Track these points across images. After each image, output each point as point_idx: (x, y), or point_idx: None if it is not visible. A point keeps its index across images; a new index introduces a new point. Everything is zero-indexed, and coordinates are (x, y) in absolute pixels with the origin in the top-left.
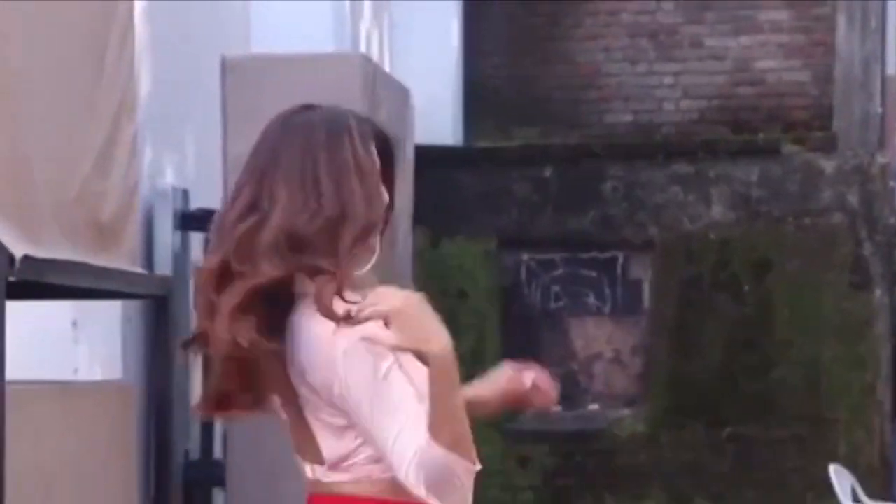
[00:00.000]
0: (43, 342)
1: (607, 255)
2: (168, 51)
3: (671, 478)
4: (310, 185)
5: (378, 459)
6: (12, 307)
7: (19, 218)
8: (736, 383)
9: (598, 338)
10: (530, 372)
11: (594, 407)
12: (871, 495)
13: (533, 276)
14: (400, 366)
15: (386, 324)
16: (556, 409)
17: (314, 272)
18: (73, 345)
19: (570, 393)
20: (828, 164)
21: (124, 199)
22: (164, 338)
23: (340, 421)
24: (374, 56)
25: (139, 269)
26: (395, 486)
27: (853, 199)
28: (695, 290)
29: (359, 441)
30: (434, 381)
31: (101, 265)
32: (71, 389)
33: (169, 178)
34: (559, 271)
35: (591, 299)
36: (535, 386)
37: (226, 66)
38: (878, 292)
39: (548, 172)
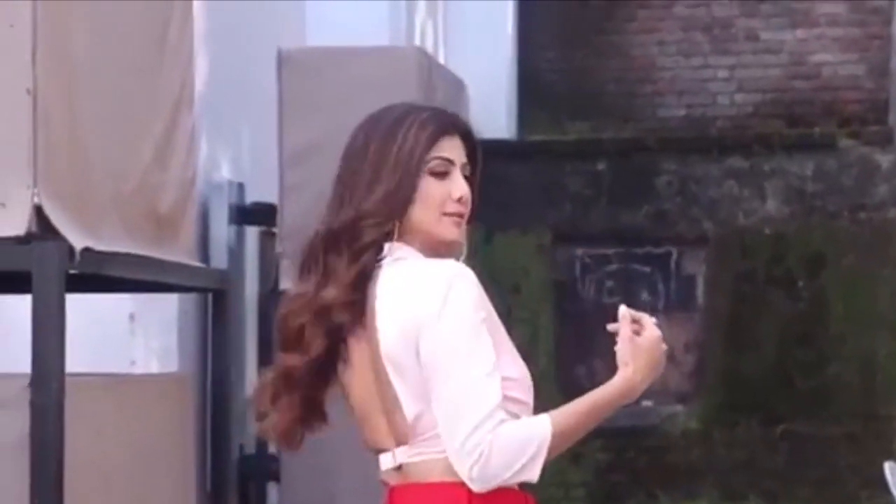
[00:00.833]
0: (100, 335)
1: (661, 250)
2: (224, 43)
3: (724, 475)
4: (346, 181)
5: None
6: (70, 299)
7: (79, 209)
8: (790, 380)
9: None
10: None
11: (647, 403)
12: None
13: (586, 271)
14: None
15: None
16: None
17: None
18: (130, 337)
19: None
20: (884, 159)
21: (182, 191)
22: (221, 331)
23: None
24: (429, 49)
25: (197, 263)
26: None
27: None
28: (749, 285)
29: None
30: (604, 399)
31: (159, 258)
32: (129, 381)
33: (224, 172)
34: (613, 266)
35: (645, 295)
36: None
37: (282, 59)
38: None
39: (601, 166)
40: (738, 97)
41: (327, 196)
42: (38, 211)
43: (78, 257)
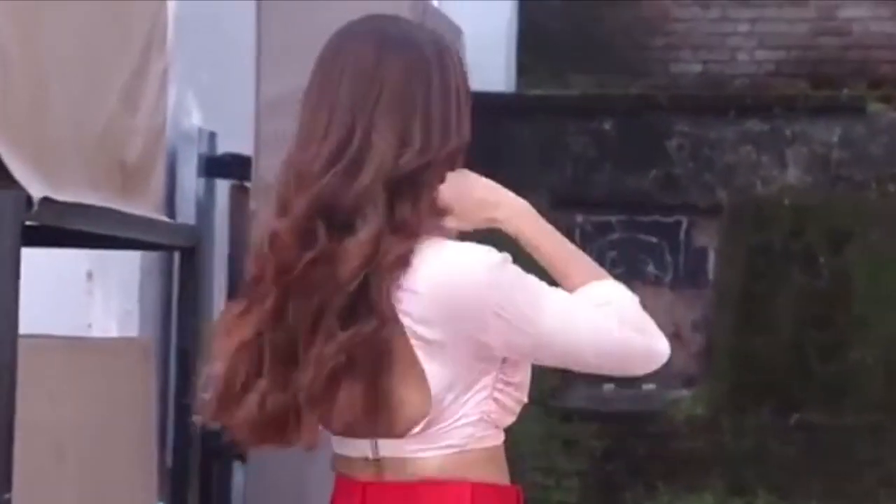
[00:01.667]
0: (54, 294)
1: (670, 219)
2: None
3: (731, 466)
4: (420, 118)
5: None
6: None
7: (39, 156)
8: (807, 364)
9: (657, 310)
10: None
11: (649, 386)
12: None
13: (587, 240)
14: None
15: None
16: (608, 386)
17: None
18: (87, 297)
19: None
20: None
21: (151, 139)
22: (187, 293)
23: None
24: None
25: (164, 218)
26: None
27: None
28: (765, 260)
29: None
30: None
31: (125, 211)
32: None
33: (195, 119)
34: (616, 235)
35: (651, 267)
36: None
37: (260, 7)
38: None
39: (607, 126)
40: (759, 54)
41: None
42: None
43: (36, 207)
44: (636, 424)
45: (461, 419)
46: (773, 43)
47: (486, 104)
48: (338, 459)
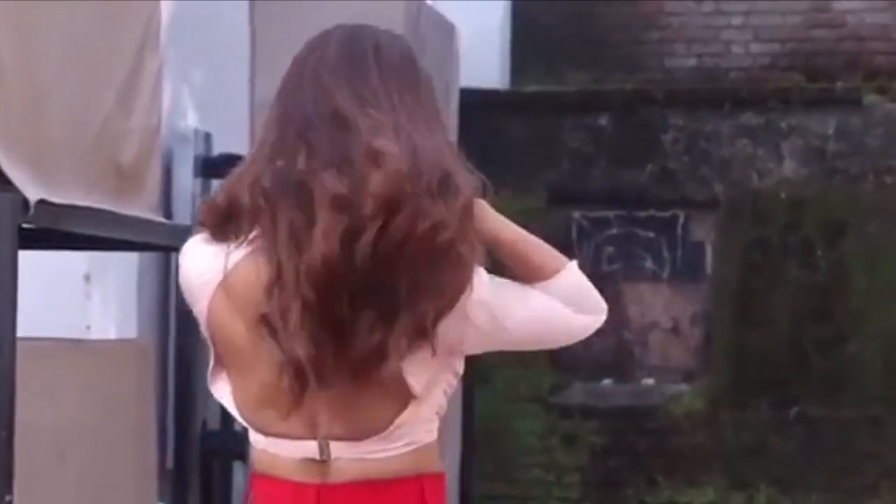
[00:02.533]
0: (52, 297)
1: (666, 213)
2: None
3: (731, 461)
4: (435, 121)
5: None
6: (21, 257)
7: (34, 158)
8: (805, 358)
9: (655, 305)
10: None
11: (649, 381)
12: None
13: (584, 236)
14: None
15: None
16: (607, 382)
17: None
18: (85, 300)
19: (623, 365)
20: None
21: (146, 140)
22: None
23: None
24: None
25: (160, 219)
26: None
27: None
28: (762, 254)
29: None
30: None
31: (121, 212)
32: (84, 347)
33: (190, 120)
34: (613, 231)
35: (648, 262)
36: None
37: (254, 7)
38: None
39: (603, 121)
40: (754, 47)
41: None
42: None
43: (32, 210)
44: (636, 420)
45: (424, 417)
46: (768, 36)
47: (479, 101)
48: (267, 459)
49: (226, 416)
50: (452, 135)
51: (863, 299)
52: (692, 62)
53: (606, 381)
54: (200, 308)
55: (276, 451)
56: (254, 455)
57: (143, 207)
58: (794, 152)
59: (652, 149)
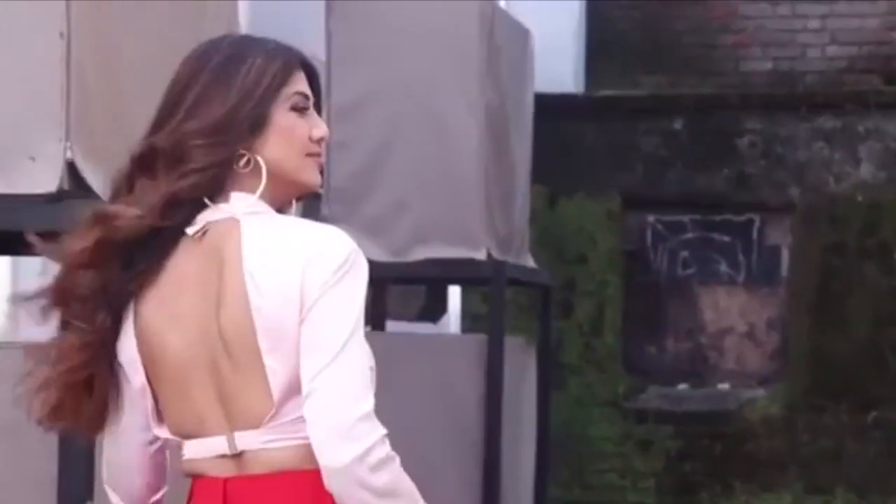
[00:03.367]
0: None
1: (742, 217)
2: None
3: (808, 466)
4: (169, 107)
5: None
6: None
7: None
8: (883, 362)
9: (731, 309)
10: None
11: (724, 386)
12: None
13: (659, 240)
14: None
15: None
16: (683, 386)
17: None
18: None
19: (699, 370)
20: None
21: None
22: None
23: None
24: None
25: None
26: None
27: None
28: (839, 258)
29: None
30: None
31: None
32: None
33: None
34: (688, 235)
35: (724, 267)
36: None
37: (330, 8)
38: None
39: (678, 125)
40: (831, 50)
41: (365, 153)
42: (71, 167)
43: None
44: (712, 425)
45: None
46: (845, 39)
47: (554, 106)
48: (190, 463)
49: None
50: (528, 140)
51: None
52: (768, 66)
53: (682, 386)
54: None
55: (192, 454)
56: None
57: None
58: (872, 155)
59: (727, 153)
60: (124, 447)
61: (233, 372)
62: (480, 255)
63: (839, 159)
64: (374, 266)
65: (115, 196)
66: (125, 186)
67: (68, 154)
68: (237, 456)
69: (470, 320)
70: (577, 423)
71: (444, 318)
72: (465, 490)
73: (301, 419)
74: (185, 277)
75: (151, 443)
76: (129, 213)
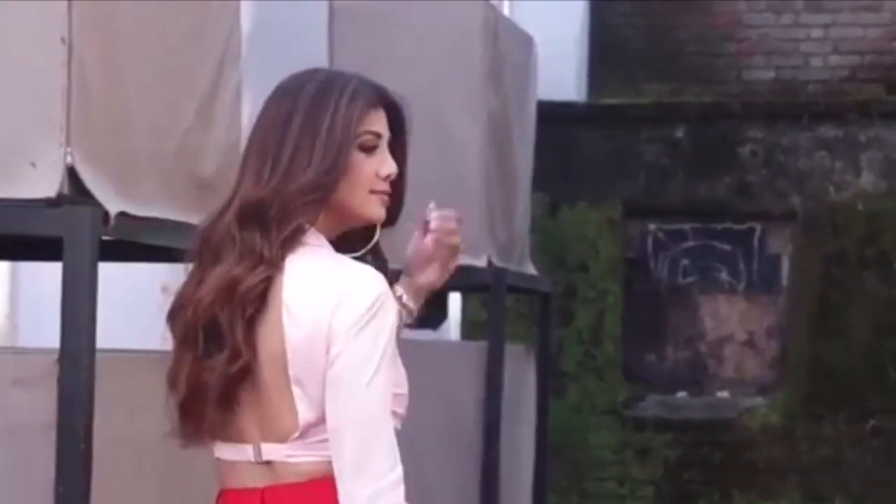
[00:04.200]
0: (129, 309)
1: (743, 226)
2: None
3: (807, 475)
4: (266, 153)
5: None
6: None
7: (115, 170)
8: (882, 371)
9: (731, 318)
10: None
11: (724, 394)
12: None
13: (660, 248)
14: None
15: None
16: (682, 394)
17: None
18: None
19: (698, 378)
20: None
21: (226, 154)
22: None
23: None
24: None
25: None
26: None
27: None
28: (839, 266)
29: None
30: None
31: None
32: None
33: None
34: (689, 243)
35: (724, 275)
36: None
37: (333, 12)
38: None
39: (680, 133)
40: (833, 59)
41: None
42: (71, 172)
43: (113, 223)
44: (711, 433)
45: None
46: (847, 48)
47: (556, 114)
48: (218, 463)
49: None
50: (530, 147)
51: None
52: (770, 74)
53: (681, 394)
54: None
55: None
56: None
57: None
58: (873, 165)
59: (729, 161)
60: None
61: (266, 390)
62: (481, 262)
63: (840, 168)
64: None
65: (218, 249)
66: (229, 242)
67: (69, 159)
68: (268, 464)
69: (470, 327)
70: (577, 430)
71: (444, 325)
72: (464, 497)
73: (325, 441)
74: None
75: None
76: (254, 280)
